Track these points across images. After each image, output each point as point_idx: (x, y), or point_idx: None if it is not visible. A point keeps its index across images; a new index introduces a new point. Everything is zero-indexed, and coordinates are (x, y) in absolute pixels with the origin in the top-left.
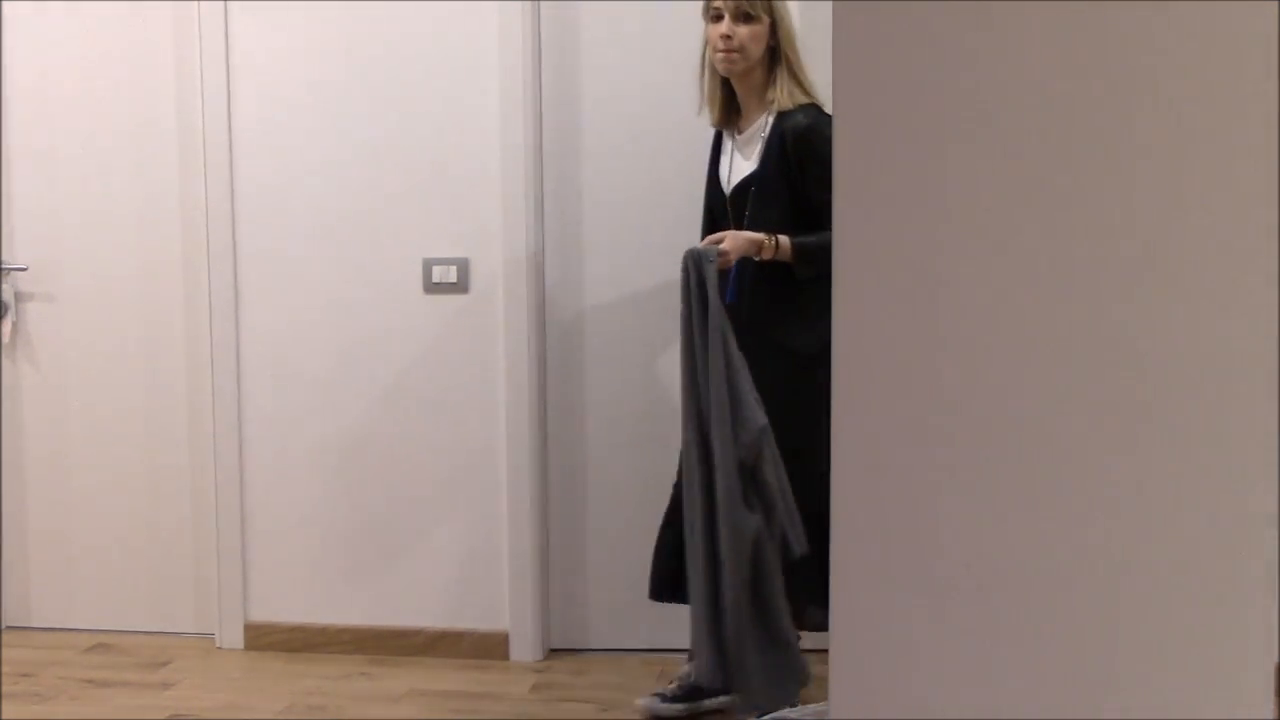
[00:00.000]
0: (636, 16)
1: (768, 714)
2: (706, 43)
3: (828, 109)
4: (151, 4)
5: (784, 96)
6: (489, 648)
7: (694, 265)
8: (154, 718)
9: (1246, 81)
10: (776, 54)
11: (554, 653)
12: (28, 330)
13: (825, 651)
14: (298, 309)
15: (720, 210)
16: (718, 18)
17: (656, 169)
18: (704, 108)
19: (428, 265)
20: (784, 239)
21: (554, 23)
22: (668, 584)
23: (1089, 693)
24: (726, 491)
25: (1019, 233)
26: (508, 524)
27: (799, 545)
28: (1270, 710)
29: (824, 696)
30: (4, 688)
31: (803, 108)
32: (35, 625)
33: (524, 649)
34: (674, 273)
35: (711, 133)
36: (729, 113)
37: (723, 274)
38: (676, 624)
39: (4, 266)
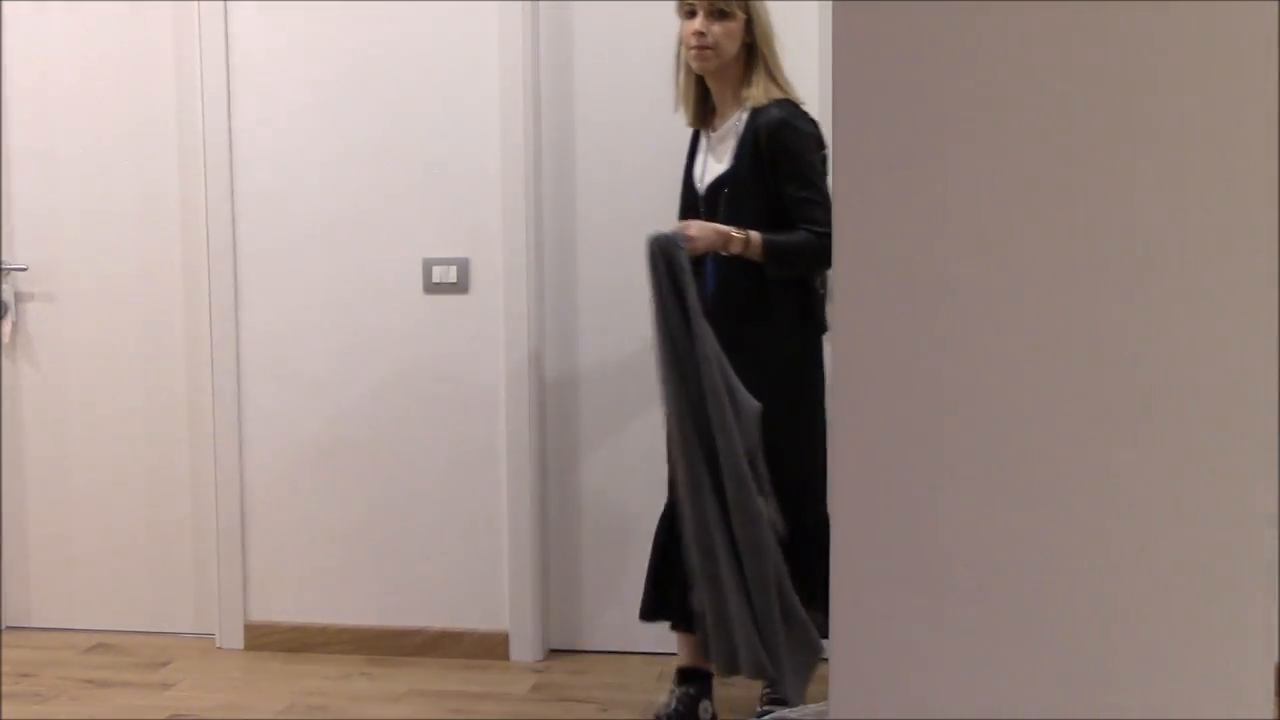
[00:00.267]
0: (636, 17)
1: (767, 715)
2: (680, 39)
3: (804, 107)
4: (151, 4)
5: (759, 93)
6: (489, 648)
7: (662, 253)
8: (154, 718)
9: (1246, 81)
10: (753, 51)
11: (554, 653)
12: (28, 330)
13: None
14: (297, 309)
15: (694, 211)
16: (691, 14)
17: (656, 169)
18: (679, 105)
19: (428, 265)
20: (755, 235)
21: (553, 23)
22: (658, 604)
23: (1089, 693)
24: (738, 480)
25: (1019, 232)
26: (508, 524)
27: (780, 527)
28: (1270, 710)
29: (824, 696)
30: (4, 688)
31: (777, 102)
32: (35, 625)
33: (524, 649)
34: None
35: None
36: (704, 111)
37: (699, 261)
38: None
39: (4, 266)
